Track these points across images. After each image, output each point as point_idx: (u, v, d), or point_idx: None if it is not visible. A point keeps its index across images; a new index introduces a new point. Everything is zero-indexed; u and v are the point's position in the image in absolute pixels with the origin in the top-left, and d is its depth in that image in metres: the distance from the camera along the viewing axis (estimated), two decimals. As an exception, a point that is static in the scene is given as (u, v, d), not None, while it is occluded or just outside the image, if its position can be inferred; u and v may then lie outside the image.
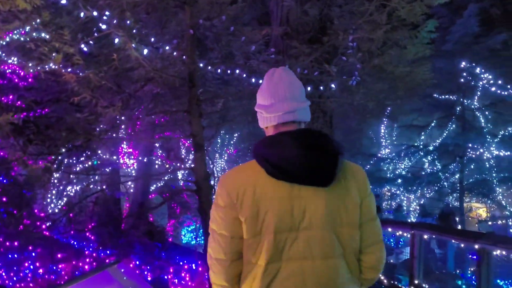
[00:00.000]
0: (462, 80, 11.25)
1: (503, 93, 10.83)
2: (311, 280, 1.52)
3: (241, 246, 1.57)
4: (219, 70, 5.81)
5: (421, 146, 13.17)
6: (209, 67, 5.82)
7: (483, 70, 10.71)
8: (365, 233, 1.62)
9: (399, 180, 13.63)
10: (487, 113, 12.17)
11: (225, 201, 1.56)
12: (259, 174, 1.53)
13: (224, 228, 1.57)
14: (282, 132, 1.57)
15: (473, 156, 12.41)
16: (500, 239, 6.56)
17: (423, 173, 13.46)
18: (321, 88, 5.21)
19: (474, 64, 10.29)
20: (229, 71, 5.76)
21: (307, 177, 1.50)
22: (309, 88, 5.20)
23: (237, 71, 5.68)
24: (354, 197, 1.58)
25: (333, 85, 5.04)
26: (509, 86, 10.53)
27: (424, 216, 14.92)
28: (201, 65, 5.69)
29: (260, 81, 3.55)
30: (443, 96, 12.46)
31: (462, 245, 7.38)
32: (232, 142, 18.05)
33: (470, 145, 12.00)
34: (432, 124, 13.38)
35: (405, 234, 8.56)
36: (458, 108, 12.46)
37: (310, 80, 5.36)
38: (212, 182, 5.33)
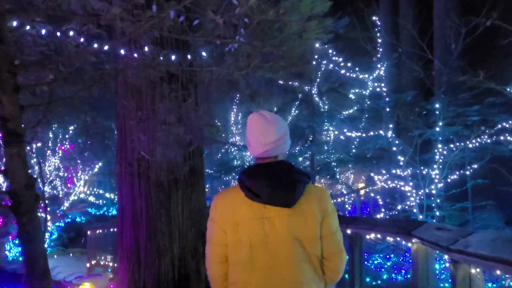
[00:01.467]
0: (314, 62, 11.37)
1: (350, 75, 11.27)
2: (277, 285, 2.00)
3: (226, 251, 2.09)
4: (43, 31, 4.15)
5: None
6: (28, 27, 4.12)
7: (333, 52, 10.94)
8: (326, 245, 2.10)
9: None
10: (333, 95, 12.64)
11: (216, 216, 2.10)
12: (240, 197, 2.05)
13: (215, 236, 2.11)
14: (258, 164, 2.10)
15: (323, 138, 12.85)
16: (376, 222, 6.58)
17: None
18: (189, 57, 4.07)
19: (326, 46, 10.39)
20: (58, 34, 4.15)
21: (273, 200, 2.00)
22: (173, 57, 4.01)
23: (71, 33, 4.11)
24: (315, 215, 2.07)
25: (204, 53, 3.94)
26: (357, 69, 11.00)
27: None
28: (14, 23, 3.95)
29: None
30: (290, 83, 12.49)
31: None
32: (67, 136, 15.32)
33: (316, 127, 12.23)
34: (278, 108, 13.43)
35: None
36: (305, 92, 12.61)
37: (178, 42, 4.22)
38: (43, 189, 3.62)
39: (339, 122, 10.97)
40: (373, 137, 10.53)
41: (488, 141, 9.39)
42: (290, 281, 1.98)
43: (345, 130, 10.61)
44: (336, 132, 10.96)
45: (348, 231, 6.22)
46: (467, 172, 10.13)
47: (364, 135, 10.46)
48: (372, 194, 14.15)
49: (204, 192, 5.74)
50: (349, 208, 19.75)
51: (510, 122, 9.86)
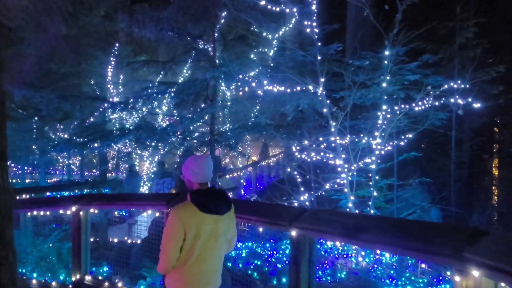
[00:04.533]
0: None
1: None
2: (209, 274, 3.33)
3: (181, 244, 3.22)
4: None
5: (161, 87, 9.64)
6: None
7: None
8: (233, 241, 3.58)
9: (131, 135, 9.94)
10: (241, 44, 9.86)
11: (178, 223, 3.17)
12: (195, 209, 3.20)
13: (176, 234, 3.19)
14: (205, 189, 3.33)
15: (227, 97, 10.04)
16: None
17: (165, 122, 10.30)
18: None
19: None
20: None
21: (217, 211, 3.27)
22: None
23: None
24: (234, 219, 3.55)
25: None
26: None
27: (162, 177, 12.20)
28: None
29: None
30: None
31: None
32: None
33: (222, 81, 9.37)
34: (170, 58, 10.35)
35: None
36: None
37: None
38: None
39: (257, 72, 8.20)
40: (295, 95, 8.14)
41: (436, 103, 7.70)
42: (213, 276, 3.40)
43: (265, 82, 7.95)
44: (254, 85, 8.12)
45: (293, 233, 3.77)
46: (402, 143, 8.41)
47: (288, 90, 7.92)
48: (289, 170, 11.94)
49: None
50: (244, 184, 17.82)
51: (452, 84, 8.34)
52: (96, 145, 8.23)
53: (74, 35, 15.75)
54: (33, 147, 19.27)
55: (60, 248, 7.88)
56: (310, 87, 7.70)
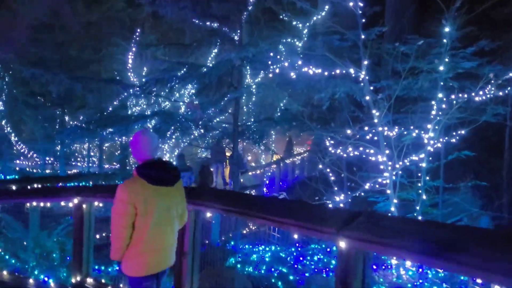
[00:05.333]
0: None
1: None
2: (165, 249, 3.28)
3: (133, 220, 3.12)
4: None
5: (181, 69, 8.70)
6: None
7: None
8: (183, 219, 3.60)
9: (153, 121, 9.06)
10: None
11: (127, 198, 3.07)
12: (144, 183, 3.13)
13: (125, 210, 3.09)
14: (149, 161, 3.22)
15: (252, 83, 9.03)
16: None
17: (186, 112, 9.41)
18: None
19: None
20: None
21: (165, 182, 3.22)
22: None
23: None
24: (183, 192, 3.53)
25: None
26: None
27: (181, 172, 11.37)
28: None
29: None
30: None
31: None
32: None
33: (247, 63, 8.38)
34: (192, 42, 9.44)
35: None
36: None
37: None
38: None
39: (289, 52, 7.13)
40: (331, 81, 7.11)
41: (499, 93, 6.53)
42: (170, 241, 3.37)
43: (299, 63, 6.89)
44: (286, 64, 7.03)
45: (342, 245, 2.79)
46: (453, 140, 7.25)
47: (326, 73, 6.85)
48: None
49: None
50: (267, 182, 16.89)
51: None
52: (108, 131, 7.40)
53: (96, 22, 15.25)
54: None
55: (64, 244, 7.12)
56: (351, 71, 6.63)
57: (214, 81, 7.95)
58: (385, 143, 6.67)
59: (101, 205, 5.77)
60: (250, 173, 15.34)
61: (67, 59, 13.57)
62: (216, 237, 10.38)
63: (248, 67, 8.21)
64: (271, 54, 7.07)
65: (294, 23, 9.61)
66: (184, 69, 8.22)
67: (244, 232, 11.23)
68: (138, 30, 13.86)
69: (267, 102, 10.25)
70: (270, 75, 7.81)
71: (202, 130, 9.38)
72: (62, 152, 21.02)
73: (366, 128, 6.77)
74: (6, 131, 21.42)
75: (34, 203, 6.29)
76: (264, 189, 15.38)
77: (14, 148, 22.60)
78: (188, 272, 4.37)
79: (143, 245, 3.12)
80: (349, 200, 7.12)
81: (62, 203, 5.79)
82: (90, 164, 23.56)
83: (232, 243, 10.06)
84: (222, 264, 7.55)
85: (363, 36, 6.72)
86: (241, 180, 12.63)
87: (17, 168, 22.37)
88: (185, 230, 4.43)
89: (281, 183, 17.02)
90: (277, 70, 7.20)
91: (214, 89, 8.29)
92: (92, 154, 24.32)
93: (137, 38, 13.68)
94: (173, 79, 7.73)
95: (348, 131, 6.81)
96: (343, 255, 2.90)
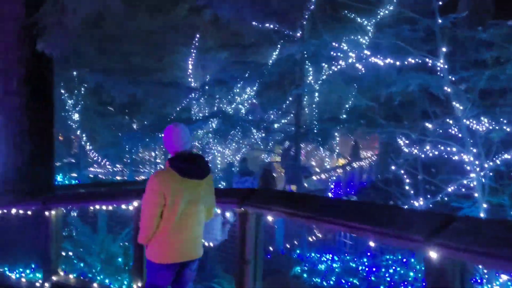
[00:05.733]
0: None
1: None
2: (190, 241, 3.35)
3: (161, 210, 3.20)
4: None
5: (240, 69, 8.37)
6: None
7: None
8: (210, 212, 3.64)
9: (213, 124, 8.84)
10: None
11: (158, 188, 3.17)
12: (174, 174, 3.19)
13: (156, 200, 3.17)
14: (181, 154, 3.27)
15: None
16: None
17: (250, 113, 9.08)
18: None
19: None
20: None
21: (195, 175, 3.26)
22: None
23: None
24: (213, 187, 3.54)
25: None
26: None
27: (244, 175, 11.08)
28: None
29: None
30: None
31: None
32: None
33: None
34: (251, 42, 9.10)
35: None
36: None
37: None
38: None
39: (356, 42, 6.53)
40: (403, 74, 6.42)
41: None
42: (199, 235, 3.48)
43: (366, 53, 6.28)
44: (353, 55, 6.42)
45: (432, 255, 2.23)
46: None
47: (398, 62, 6.18)
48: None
49: None
50: (332, 187, 16.19)
51: None
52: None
53: (158, 30, 15.57)
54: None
55: (128, 249, 7.06)
56: (427, 60, 5.91)
57: (275, 80, 7.56)
58: (470, 140, 5.86)
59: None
60: (314, 178, 14.74)
61: (131, 68, 13.96)
62: (280, 243, 9.96)
63: (310, 64, 7.71)
64: (335, 45, 6.53)
65: (359, 18, 9.00)
66: (244, 69, 7.92)
67: (310, 239, 10.71)
68: (198, 35, 13.91)
69: (331, 100, 9.66)
70: (335, 68, 7.25)
71: (263, 133, 9.01)
72: (130, 159, 21.82)
73: (450, 121, 5.98)
74: (82, 140, 22.72)
75: (99, 207, 6.28)
76: (330, 193, 14.72)
77: (89, 156, 23.89)
78: (250, 281, 3.99)
79: (168, 234, 3.22)
80: (430, 205, 6.35)
81: (123, 206, 5.73)
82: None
83: (298, 250, 9.58)
84: (287, 273, 7.12)
85: (440, 21, 5.97)
86: (305, 184, 12.11)
87: (91, 175, 23.60)
88: (245, 235, 4.07)
89: (348, 189, 16.27)
90: (343, 63, 6.64)
91: (275, 88, 7.90)
92: (159, 161, 25.00)
93: (197, 44, 13.73)
94: (232, 79, 7.46)
95: (429, 125, 6.07)
96: (434, 268, 2.35)
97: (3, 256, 6.93)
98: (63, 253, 6.44)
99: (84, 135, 22.37)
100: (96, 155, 23.80)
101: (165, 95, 11.85)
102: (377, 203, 6.39)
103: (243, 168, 11.04)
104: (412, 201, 6.33)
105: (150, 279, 3.42)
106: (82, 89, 19.59)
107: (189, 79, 13.53)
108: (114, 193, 5.89)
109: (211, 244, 8.34)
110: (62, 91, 20.49)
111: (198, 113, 11.70)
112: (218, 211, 6.98)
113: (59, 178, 22.33)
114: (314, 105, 9.60)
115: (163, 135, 3.37)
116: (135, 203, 5.29)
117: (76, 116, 21.56)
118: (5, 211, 6.63)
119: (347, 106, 9.17)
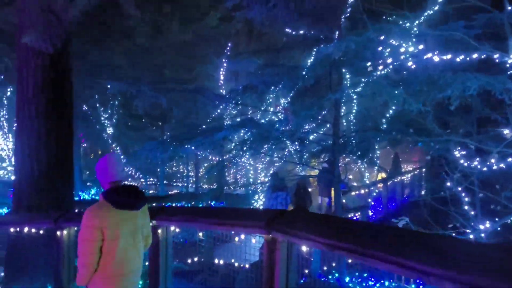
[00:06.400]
0: None
1: None
2: (132, 273, 3.24)
3: (100, 245, 3.11)
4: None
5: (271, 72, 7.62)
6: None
7: None
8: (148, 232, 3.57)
9: (245, 136, 8.13)
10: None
11: (95, 223, 3.06)
12: (110, 207, 3.13)
13: (93, 236, 3.06)
14: (115, 186, 3.22)
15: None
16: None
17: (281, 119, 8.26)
18: None
19: None
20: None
21: (131, 206, 3.20)
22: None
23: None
24: (148, 215, 3.53)
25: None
26: None
27: (275, 190, 10.26)
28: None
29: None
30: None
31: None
32: None
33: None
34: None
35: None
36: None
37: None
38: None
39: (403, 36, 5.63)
40: (460, 75, 5.48)
41: None
42: (137, 264, 3.33)
43: (416, 49, 5.36)
44: (403, 50, 5.51)
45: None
46: None
47: (459, 58, 5.23)
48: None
49: None
50: (372, 203, 15.08)
51: None
52: (188, 146, 6.65)
53: (189, 41, 15.25)
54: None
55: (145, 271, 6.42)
56: (495, 57, 4.95)
57: (310, 85, 6.79)
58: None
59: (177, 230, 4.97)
60: (353, 193, 13.72)
61: (163, 80, 13.66)
62: (317, 266, 9.04)
63: (349, 65, 6.88)
64: (381, 38, 5.68)
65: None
66: (276, 73, 7.21)
67: (350, 261, 9.73)
68: (229, 44, 13.38)
69: (373, 107, 8.75)
70: (380, 68, 6.38)
71: (297, 145, 8.21)
72: (162, 172, 21.55)
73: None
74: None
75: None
76: (369, 211, 13.63)
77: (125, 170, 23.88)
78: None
79: (110, 269, 3.14)
80: (498, 228, 5.32)
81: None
82: (191, 184, 23.84)
83: (336, 274, 8.64)
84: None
85: (509, 7, 5.02)
86: (344, 201, 11.16)
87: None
88: (274, 266, 3.32)
89: (388, 204, 15.12)
90: (389, 60, 5.78)
91: (310, 95, 7.13)
92: (191, 174, 24.65)
93: (228, 53, 13.20)
94: (263, 84, 6.77)
95: (506, 132, 5.07)
96: None
97: (18, 275, 6.48)
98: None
99: (118, 148, 22.42)
100: (130, 168, 23.80)
101: (191, 103, 11.32)
102: (446, 235, 5.40)
103: (275, 182, 10.26)
104: (474, 224, 5.33)
105: None
106: (116, 102, 19.65)
107: (221, 90, 12.99)
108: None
109: (242, 265, 7.62)
110: (98, 105, 20.69)
111: (228, 123, 11.10)
112: (242, 236, 6.32)
113: (92, 191, 22.42)
114: (353, 113, 8.74)
115: (96, 164, 3.31)
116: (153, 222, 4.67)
117: (110, 130, 21.64)
118: (17, 229, 6.17)
119: (391, 112, 8.23)
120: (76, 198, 20.21)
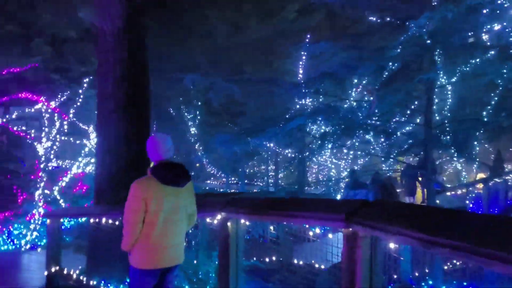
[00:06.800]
0: None
1: None
2: (171, 247, 3.44)
3: (143, 216, 3.35)
4: None
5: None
6: None
7: None
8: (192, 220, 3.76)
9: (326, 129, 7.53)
10: None
11: (140, 194, 3.32)
12: (155, 181, 3.36)
13: (138, 206, 3.32)
14: (164, 162, 3.45)
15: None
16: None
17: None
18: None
19: None
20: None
21: (174, 182, 3.40)
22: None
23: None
24: (193, 193, 3.72)
25: None
26: None
27: (354, 188, 9.48)
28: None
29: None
30: None
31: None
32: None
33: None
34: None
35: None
36: None
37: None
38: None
39: None
40: None
41: None
42: (180, 242, 3.55)
43: None
44: None
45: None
46: None
47: None
48: None
49: None
50: (471, 205, 13.50)
51: None
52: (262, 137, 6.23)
53: (267, 36, 15.00)
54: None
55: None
56: None
57: (396, 68, 6.01)
58: None
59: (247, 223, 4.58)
60: (448, 193, 12.38)
61: (242, 79, 13.56)
62: (407, 269, 8.14)
63: (440, 46, 5.97)
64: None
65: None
66: (359, 57, 6.52)
67: (446, 267, 8.64)
68: (308, 36, 12.82)
69: (471, 96, 7.61)
70: (485, 37, 5.37)
71: (382, 138, 7.43)
72: (242, 171, 21.61)
73: None
74: (199, 153, 23.36)
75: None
76: (468, 214, 12.18)
77: (206, 169, 24.46)
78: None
79: (150, 240, 3.34)
80: None
81: (208, 220, 4.83)
82: (271, 184, 23.63)
83: (430, 281, 7.67)
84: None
85: None
86: (437, 201, 10.04)
87: (207, 188, 24.05)
88: (355, 265, 2.78)
89: (490, 208, 13.44)
90: (497, 27, 4.82)
91: (397, 79, 6.34)
92: (272, 174, 24.41)
93: (307, 45, 12.66)
94: (344, 69, 6.13)
95: None
96: None
97: (98, 268, 6.61)
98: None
99: (201, 148, 22.95)
100: (212, 167, 24.26)
101: (267, 96, 10.94)
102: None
103: (354, 180, 9.49)
104: None
105: (133, 284, 3.48)
106: (199, 102, 20.12)
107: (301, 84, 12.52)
108: (201, 202, 5.00)
109: (322, 267, 7.06)
110: (182, 107, 21.38)
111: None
112: (330, 235, 5.81)
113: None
114: (448, 100, 7.64)
115: (146, 143, 3.58)
116: (219, 216, 4.36)
117: (193, 130, 22.22)
118: (97, 220, 6.27)
119: (495, 98, 7.06)
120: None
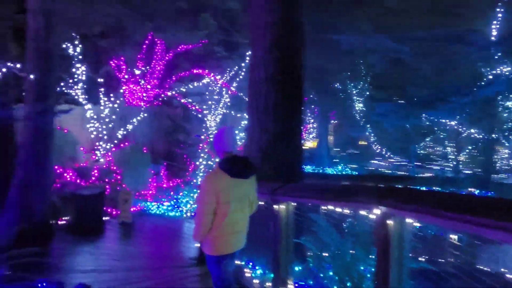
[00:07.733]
0: None
1: None
2: (239, 233, 3.75)
3: (215, 207, 3.57)
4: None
5: None
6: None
7: None
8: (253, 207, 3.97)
9: None
10: None
11: (211, 189, 3.55)
12: (224, 175, 3.58)
13: (210, 199, 3.54)
14: (230, 156, 3.68)
15: None
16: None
17: None
18: None
19: None
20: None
21: (242, 175, 3.65)
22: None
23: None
24: (255, 185, 3.92)
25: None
26: None
27: None
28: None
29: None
30: None
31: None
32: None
33: None
34: None
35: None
36: None
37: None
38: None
39: None
40: None
41: None
42: (244, 224, 3.82)
43: None
44: None
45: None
46: None
47: None
48: None
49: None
50: None
51: None
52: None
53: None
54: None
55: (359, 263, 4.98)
56: None
57: None
58: None
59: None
60: None
61: (414, 37, 11.55)
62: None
63: None
64: None
65: None
66: None
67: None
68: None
69: None
70: None
71: None
72: (414, 151, 19.34)
73: None
74: (366, 131, 21.89)
75: (331, 207, 4.51)
76: None
77: (373, 148, 22.84)
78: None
79: (222, 229, 3.62)
80: None
81: (362, 212, 3.79)
82: (450, 169, 20.54)
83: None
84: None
85: None
86: None
87: (372, 168, 22.40)
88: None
89: None
90: None
91: None
92: (451, 157, 21.22)
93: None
94: None
95: None
96: None
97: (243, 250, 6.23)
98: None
99: (368, 126, 21.38)
100: (379, 147, 22.44)
101: (446, 56, 8.79)
102: None
103: None
104: None
105: (214, 272, 3.76)
106: (368, 78, 18.59)
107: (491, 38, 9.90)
108: (350, 192, 3.97)
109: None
110: (348, 81, 20.15)
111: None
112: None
113: (339, 167, 22.24)
114: None
115: (214, 135, 3.90)
116: (376, 211, 3.30)
117: (359, 106, 20.77)
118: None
119: None
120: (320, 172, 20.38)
